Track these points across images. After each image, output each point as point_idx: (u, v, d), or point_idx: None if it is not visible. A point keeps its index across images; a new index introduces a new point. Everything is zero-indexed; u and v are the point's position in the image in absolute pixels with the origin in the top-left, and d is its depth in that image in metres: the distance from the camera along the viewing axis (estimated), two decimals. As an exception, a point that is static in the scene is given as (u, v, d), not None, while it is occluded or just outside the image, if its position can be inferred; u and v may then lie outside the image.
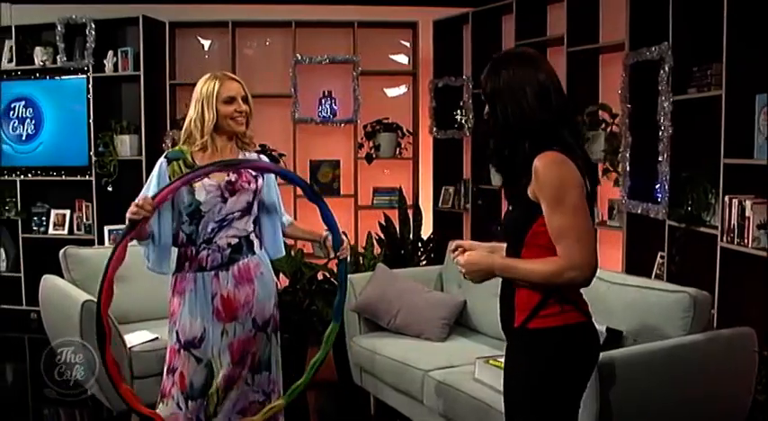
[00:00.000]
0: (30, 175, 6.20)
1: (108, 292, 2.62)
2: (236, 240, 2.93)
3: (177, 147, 2.98)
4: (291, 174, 3.21)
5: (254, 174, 3.00)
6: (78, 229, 6.24)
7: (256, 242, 3.01)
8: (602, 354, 2.73)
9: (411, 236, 5.50)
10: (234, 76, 3.00)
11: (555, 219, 2.03)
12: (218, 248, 2.90)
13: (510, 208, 2.26)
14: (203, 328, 2.90)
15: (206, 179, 2.88)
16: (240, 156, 3.00)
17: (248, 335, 2.95)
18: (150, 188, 2.87)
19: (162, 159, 2.93)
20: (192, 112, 2.93)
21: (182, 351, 2.92)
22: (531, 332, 2.12)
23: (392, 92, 6.46)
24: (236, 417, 2.97)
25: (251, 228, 2.99)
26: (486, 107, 2.17)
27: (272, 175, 3.10)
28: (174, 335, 2.95)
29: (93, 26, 5.94)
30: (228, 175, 2.92)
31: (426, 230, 5.80)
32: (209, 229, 2.90)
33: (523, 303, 2.13)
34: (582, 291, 2.17)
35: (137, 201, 2.66)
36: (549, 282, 2.07)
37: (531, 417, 2.13)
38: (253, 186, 2.97)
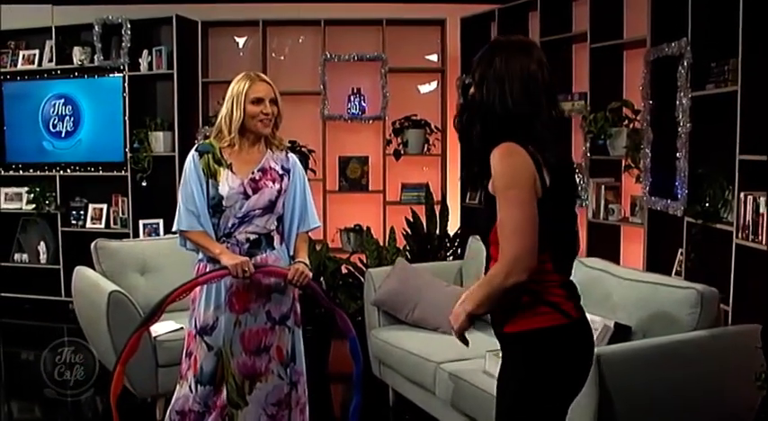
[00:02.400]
0: (69, 171, 6.42)
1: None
2: (255, 236, 3.01)
3: (207, 141, 3.07)
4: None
5: (280, 172, 3.06)
6: (114, 223, 6.42)
7: (277, 238, 3.08)
8: (599, 349, 2.75)
9: (438, 231, 5.54)
10: (265, 77, 3.05)
11: (500, 211, 1.99)
12: (237, 242, 2.99)
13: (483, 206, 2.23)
14: (215, 318, 3.00)
15: (230, 174, 2.98)
16: (267, 156, 3.07)
17: (262, 327, 3.03)
18: (192, 181, 2.95)
19: (193, 152, 3.02)
20: (223, 109, 3.02)
21: (197, 336, 3.03)
22: (507, 336, 2.11)
23: (421, 89, 6.50)
24: (272, 408, 3.06)
25: (272, 227, 3.06)
26: (473, 89, 2.14)
27: (300, 177, 3.15)
28: (192, 321, 3.06)
29: (129, 26, 6.10)
30: (253, 173, 3.01)
31: (453, 226, 5.83)
32: (229, 224, 2.99)
33: (503, 305, 2.08)
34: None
35: (244, 266, 2.89)
36: (494, 286, 1.99)
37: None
38: (277, 186, 3.03)
